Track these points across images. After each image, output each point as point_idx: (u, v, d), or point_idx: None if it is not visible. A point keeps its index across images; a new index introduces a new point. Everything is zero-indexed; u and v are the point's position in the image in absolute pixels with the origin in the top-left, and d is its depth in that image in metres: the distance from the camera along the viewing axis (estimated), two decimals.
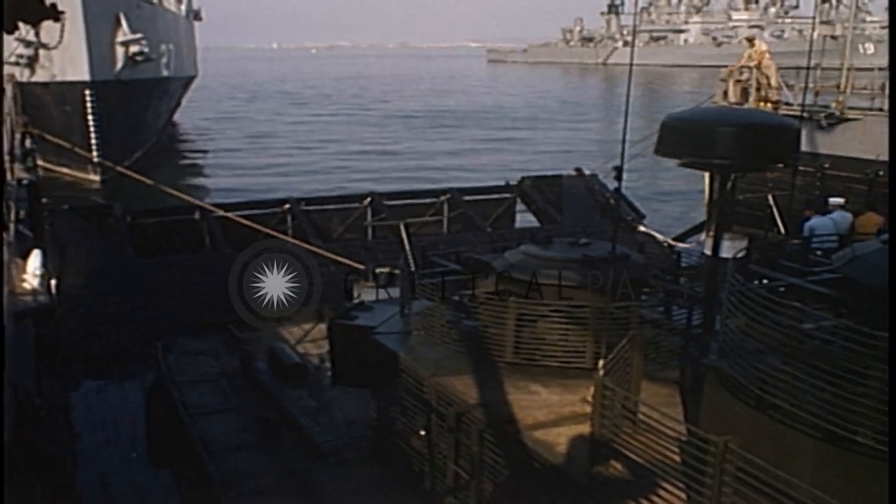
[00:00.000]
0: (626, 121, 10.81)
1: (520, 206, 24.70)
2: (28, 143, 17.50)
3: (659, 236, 22.17)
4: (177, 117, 68.49)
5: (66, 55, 40.46)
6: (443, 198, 23.32)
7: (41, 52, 40.69)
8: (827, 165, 22.67)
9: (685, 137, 8.61)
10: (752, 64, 23.88)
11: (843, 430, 5.68)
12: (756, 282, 7.27)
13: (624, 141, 11.07)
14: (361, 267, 16.91)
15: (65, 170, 42.63)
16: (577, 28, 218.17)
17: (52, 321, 12.86)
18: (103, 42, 42.00)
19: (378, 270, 14.27)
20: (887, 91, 22.25)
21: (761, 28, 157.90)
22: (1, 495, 5.16)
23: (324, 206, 22.64)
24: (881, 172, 20.89)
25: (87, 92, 41.24)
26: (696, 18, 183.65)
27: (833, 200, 18.66)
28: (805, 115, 20.65)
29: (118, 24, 42.85)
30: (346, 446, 11.55)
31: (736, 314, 6.63)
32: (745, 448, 5.69)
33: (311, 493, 10.36)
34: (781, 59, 26.46)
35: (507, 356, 9.59)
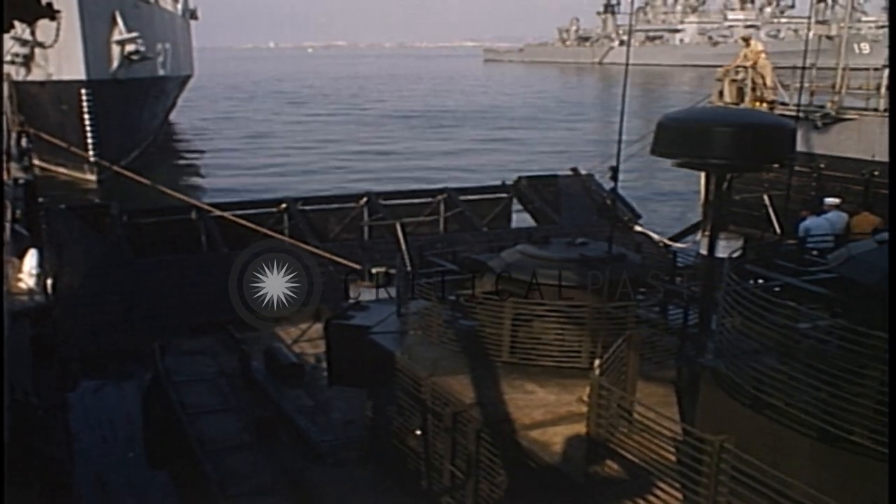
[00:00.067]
0: (622, 121, 10.82)
1: (516, 205, 24.70)
2: (24, 142, 17.53)
3: (655, 236, 22.21)
4: (173, 117, 68.43)
5: (62, 54, 40.38)
6: (439, 197, 23.33)
7: (37, 50, 40.62)
8: (823, 165, 22.70)
9: (681, 137, 8.62)
10: (747, 64, 23.91)
11: (839, 430, 5.70)
12: (752, 281, 7.29)
13: (620, 141, 11.11)
14: (358, 267, 16.91)
15: (61, 169, 42.60)
16: (574, 28, 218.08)
17: (48, 321, 12.86)
18: (99, 41, 41.94)
19: (374, 270, 14.27)
20: (883, 90, 22.27)
21: (757, 28, 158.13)
22: (1, 495, 5.16)
23: (320, 206, 22.63)
24: (877, 172, 20.94)
25: (84, 91, 41.19)
26: (692, 18, 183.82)
27: (829, 200, 18.71)
28: (801, 115, 20.68)
29: (114, 22, 42.79)
30: (344, 446, 11.55)
31: (732, 314, 6.65)
32: (742, 448, 5.70)
33: (308, 493, 10.37)
34: (777, 59, 26.51)
35: (504, 356, 9.61)
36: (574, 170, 25.11)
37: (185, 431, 12.16)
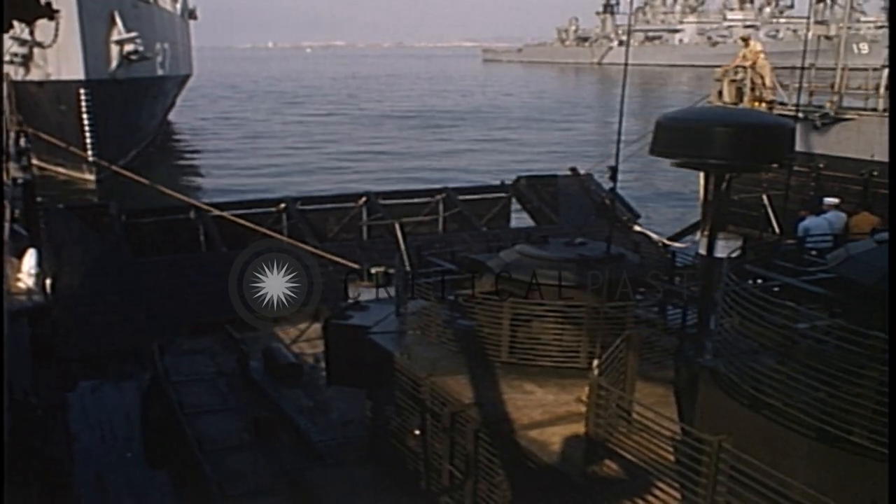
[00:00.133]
0: (620, 121, 10.83)
1: (515, 205, 24.68)
2: (23, 142, 17.50)
3: (654, 236, 22.19)
4: (172, 116, 68.46)
5: (61, 54, 40.39)
6: (438, 197, 23.31)
7: (36, 50, 40.62)
8: (822, 165, 22.72)
9: (680, 137, 8.62)
10: (746, 64, 23.92)
11: (838, 430, 5.70)
12: (751, 281, 7.29)
13: (619, 141, 11.11)
14: (357, 266, 16.90)
15: (60, 169, 42.61)
16: (573, 28, 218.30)
17: (47, 321, 12.83)
18: (98, 41, 41.94)
19: (373, 270, 14.27)
20: (882, 91, 22.28)
21: (756, 28, 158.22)
22: (0, 495, 5.16)
23: (319, 206, 22.61)
24: (875, 172, 20.95)
25: (82, 91, 41.20)
26: (691, 18, 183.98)
27: (828, 200, 18.72)
28: (800, 115, 20.72)
29: (113, 22, 42.80)
30: (342, 446, 11.56)
31: (730, 314, 6.65)
32: (740, 448, 5.71)
33: (307, 493, 10.37)
34: (776, 59, 26.50)
35: (503, 356, 9.61)
36: (573, 170, 25.10)
37: (184, 431, 12.16)
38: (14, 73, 38.76)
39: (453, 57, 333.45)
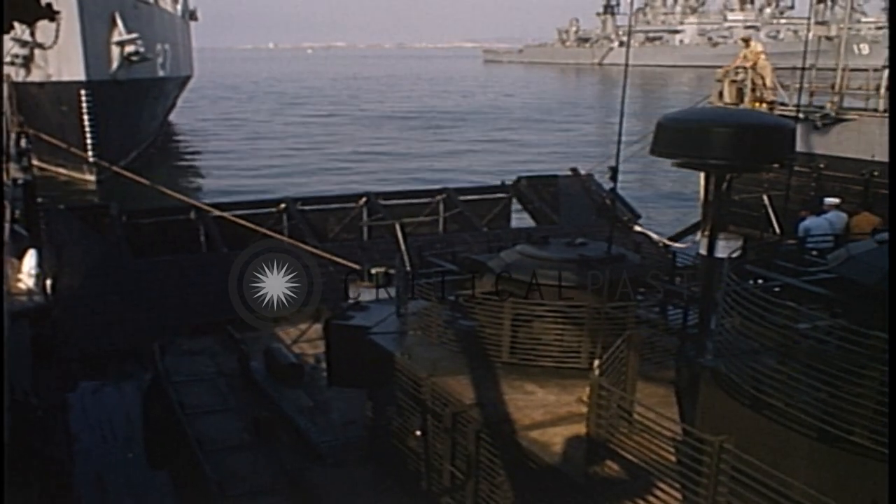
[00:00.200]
0: (621, 121, 10.83)
1: (516, 205, 24.68)
2: (23, 142, 17.51)
3: (655, 236, 22.19)
4: (172, 117, 68.48)
5: (61, 55, 40.42)
6: (438, 197, 23.31)
7: (37, 51, 40.63)
8: (822, 166, 22.71)
9: (681, 138, 8.62)
10: (747, 64, 23.92)
11: (839, 430, 5.70)
12: (751, 282, 7.29)
13: (619, 141, 11.11)
14: (357, 267, 16.89)
15: (60, 170, 42.65)
16: (573, 28, 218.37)
17: (48, 321, 12.86)
18: (99, 42, 41.97)
19: (374, 270, 14.26)
20: (882, 91, 22.28)
21: (757, 28, 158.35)
22: (0, 495, 5.16)
23: (320, 206, 22.61)
24: (876, 172, 20.95)
25: (83, 92, 41.23)
26: (691, 19, 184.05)
27: (828, 200, 18.72)
28: (800, 115, 20.71)
29: (114, 23, 42.84)
30: (343, 446, 11.55)
31: (731, 314, 6.65)
32: (741, 448, 5.70)
33: (308, 494, 10.36)
34: (777, 60, 26.52)
35: (504, 356, 9.60)
36: (574, 170, 25.09)
37: (184, 432, 12.16)
38: (15, 74, 38.80)
39: (454, 58, 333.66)
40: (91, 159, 39.18)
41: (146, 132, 52.97)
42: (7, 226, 11.16)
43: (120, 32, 43.00)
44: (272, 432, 12.24)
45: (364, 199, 22.58)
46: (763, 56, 24.03)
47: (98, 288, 17.42)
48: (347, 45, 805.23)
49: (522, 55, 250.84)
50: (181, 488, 11.55)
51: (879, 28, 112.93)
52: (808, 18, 40.36)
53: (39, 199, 17.33)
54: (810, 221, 17.66)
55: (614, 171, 12.25)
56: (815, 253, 8.89)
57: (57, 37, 39.34)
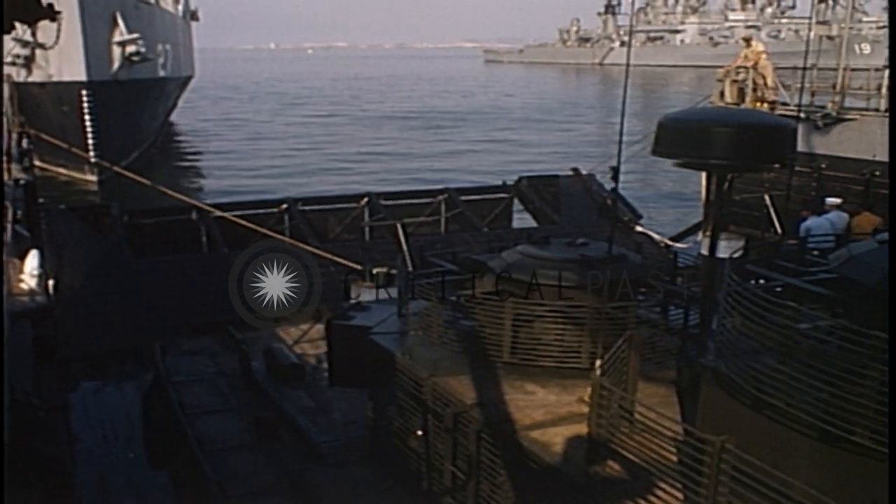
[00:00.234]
0: (622, 121, 10.83)
1: (517, 206, 24.66)
2: (25, 143, 17.51)
3: (656, 236, 22.17)
4: (174, 118, 68.50)
5: (62, 55, 40.44)
6: (440, 198, 23.30)
7: (38, 52, 40.68)
8: (823, 166, 22.72)
9: (682, 138, 8.62)
10: (748, 64, 23.94)
11: (840, 430, 5.69)
12: (753, 282, 7.29)
13: (621, 141, 11.11)
14: (358, 267, 16.89)
15: (62, 170, 42.67)
16: (574, 28, 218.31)
17: (49, 321, 12.84)
18: (100, 42, 42.00)
19: (375, 270, 14.26)
20: (884, 91, 22.29)
21: (758, 28, 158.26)
22: (1, 497, 5.16)
23: (321, 207, 22.61)
24: (877, 172, 20.95)
25: (84, 92, 41.25)
26: (692, 19, 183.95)
27: (829, 200, 18.71)
28: (801, 115, 20.70)
29: (115, 24, 42.87)
30: (344, 447, 11.55)
31: (732, 314, 6.64)
32: (742, 448, 5.70)
33: (309, 494, 10.37)
34: (778, 60, 26.57)
35: (505, 356, 9.60)
36: (575, 170, 25.07)
37: (185, 432, 12.16)
38: (16, 74, 38.82)
39: (455, 58, 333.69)
40: (92, 159, 39.19)
41: (147, 132, 52.99)
42: (9, 226, 11.17)
43: (121, 32, 43.03)
44: (273, 432, 12.25)
45: (365, 200, 22.58)
46: (764, 56, 24.04)
47: (99, 288, 17.42)
48: (348, 45, 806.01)
49: (523, 55, 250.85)
50: (182, 488, 11.54)
51: (881, 27, 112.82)
52: (810, 18, 40.30)
53: (41, 200, 17.33)
54: (811, 221, 17.65)
55: (615, 171, 12.24)
56: (816, 253, 8.89)
57: (58, 37, 39.37)
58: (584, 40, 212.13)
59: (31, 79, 40.72)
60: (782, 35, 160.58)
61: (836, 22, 34.53)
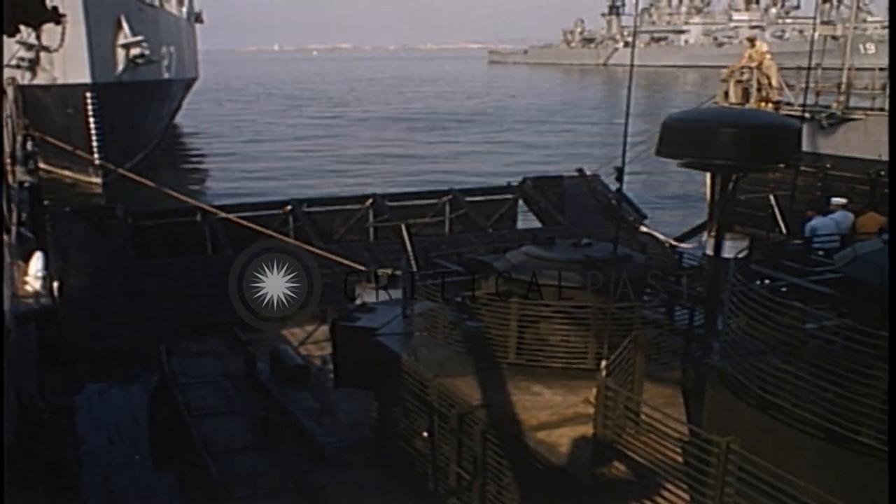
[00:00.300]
0: (626, 122, 10.83)
1: (522, 206, 24.67)
2: (29, 145, 17.51)
3: (661, 237, 22.14)
4: (178, 119, 68.58)
5: (67, 58, 40.54)
6: (444, 199, 23.30)
7: (42, 54, 40.79)
8: (828, 165, 22.68)
9: (686, 138, 8.60)
10: (753, 64, 23.90)
11: (846, 431, 5.68)
12: (758, 282, 7.27)
13: (625, 142, 11.10)
14: (363, 268, 16.90)
15: (66, 172, 42.70)
16: (578, 29, 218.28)
17: (54, 323, 12.86)
18: (104, 44, 42.08)
19: (380, 272, 14.25)
20: (888, 90, 22.26)
21: (762, 28, 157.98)
22: (0, 497, 5.16)
23: (326, 208, 22.63)
24: (883, 172, 20.91)
25: (89, 94, 41.32)
26: (696, 19, 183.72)
27: (835, 200, 18.67)
28: (806, 115, 20.69)
29: (119, 26, 42.97)
30: (349, 448, 11.56)
31: (738, 314, 6.63)
32: (748, 448, 5.69)
33: (314, 495, 10.36)
34: (782, 60, 26.48)
35: (510, 357, 9.60)
36: (579, 170, 25.06)
37: (191, 433, 12.17)
38: (21, 77, 38.85)
39: (459, 59, 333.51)
40: (97, 161, 39.23)
41: (152, 134, 53.06)
42: (14, 228, 11.18)
43: (125, 35, 43.13)
44: (278, 434, 12.25)
45: (370, 201, 22.59)
46: (768, 56, 24.01)
47: (104, 290, 17.44)
48: (352, 46, 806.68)
49: (527, 56, 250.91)
50: (188, 490, 11.56)
51: (885, 27, 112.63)
52: (814, 18, 40.23)
53: (46, 202, 17.35)
54: (817, 221, 17.61)
55: (620, 172, 12.22)
56: (821, 253, 8.88)
57: (62, 40, 39.49)
58: (588, 41, 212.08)
59: (35, 81, 40.79)
60: (786, 35, 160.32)
61: (840, 22, 34.56)
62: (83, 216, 19.64)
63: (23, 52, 40.14)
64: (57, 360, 13.22)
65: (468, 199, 23.57)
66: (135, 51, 43.46)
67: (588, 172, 24.87)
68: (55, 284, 11.58)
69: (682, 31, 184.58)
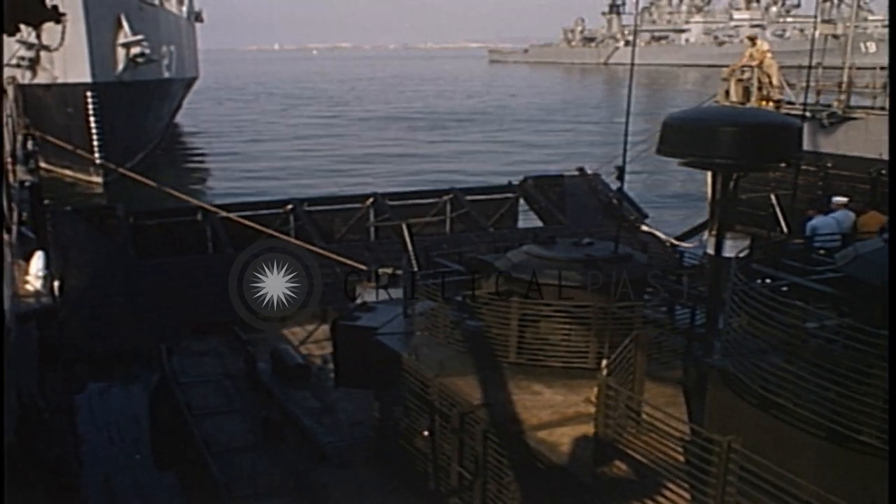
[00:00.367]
0: (627, 121, 10.82)
1: (522, 206, 24.63)
2: (30, 144, 17.51)
3: (662, 236, 22.12)
4: (178, 119, 68.59)
5: (67, 57, 40.55)
6: (445, 198, 23.28)
7: (42, 54, 40.80)
8: (829, 164, 22.67)
9: (687, 137, 8.59)
10: (753, 63, 23.90)
11: (847, 430, 5.67)
12: (759, 281, 7.27)
13: (626, 141, 11.10)
14: (364, 268, 16.89)
15: (67, 171, 42.71)
16: (579, 28, 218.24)
17: (55, 323, 12.86)
18: (105, 44, 42.09)
19: (381, 271, 14.25)
20: (889, 90, 22.25)
21: (763, 27, 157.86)
22: (1, 497, 5.16)
23: (326, 207, 22.61)
24: (883, 171, 20.89)
25: (89, 94, 41.34)
26: (697, 18, 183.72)
27: (836, 199, 18.66)
28: (807, 114, 20.66)
29: (119, 25, 42.98)
30: (350, 447, 11.55)
31: (739, 313, 6.62)
32: (749, 448, 5.69)
33: (315, 495, 10.36)
34: (783, 58, 26.47)
35: (511, 356, 9.59)
36: (580, 170, 25.02)
37: (191, 433, 12.17)
38: (21, 76, 38.87)
39: (459, 58, 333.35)
40: (97, 161, 39.23)
41: (152, 133, 53.08)
42: (14, 228, 11.19)
43: (125, 34, 43.14)
44: (279, 433, 12.25)
45: (371, 200, 22.57)
46: (769, 55, 24.00)
47: (104, 289, 17.43)
48: (353, 45, 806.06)
49: (528, 55, 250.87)
50: (188, 489, 11.56)
51: (886, 26, 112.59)
52: (815, 17, 40.29)
53: (46, 201, 17.34)
54: (818, 220, 17.60)
55: (621, 171, 12.24)
56: (822, 252, 8.86)
57: (63, 39, 39.50)
58: (588, 40, 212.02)
59: (35, 81, 40.81)
60: (787, 34, 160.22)
61: (841, 20, 34.56)
62: (84, 216, 19.63)
63: (23, 52, 40.15)
64: (57, 359, 13.21)
65: (469, 198, 23.54)
66: (135, 50, 43.47)
67: (589, 171, 24.84)
68: (56, 284, 11.58)
69: (682, 30, 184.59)
